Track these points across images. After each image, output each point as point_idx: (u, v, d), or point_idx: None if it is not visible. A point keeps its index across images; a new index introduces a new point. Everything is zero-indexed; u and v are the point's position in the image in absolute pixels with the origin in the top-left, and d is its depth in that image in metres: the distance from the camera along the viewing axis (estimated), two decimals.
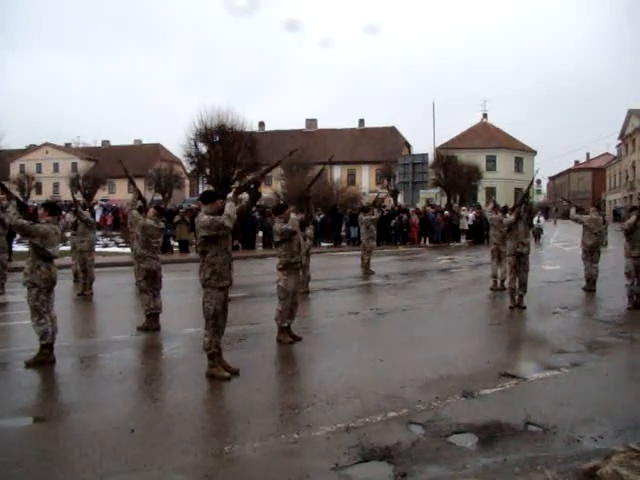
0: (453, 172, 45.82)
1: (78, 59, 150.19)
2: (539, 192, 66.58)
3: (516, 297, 11.44)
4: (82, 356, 7.87)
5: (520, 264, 11.52)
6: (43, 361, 7.20)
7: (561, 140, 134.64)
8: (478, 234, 31.10)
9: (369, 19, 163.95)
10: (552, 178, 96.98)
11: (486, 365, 7.22)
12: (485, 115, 69.51)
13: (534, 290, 12.51)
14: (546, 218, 51.11)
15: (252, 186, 7.06)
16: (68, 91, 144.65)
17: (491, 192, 52.49)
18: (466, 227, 32.35)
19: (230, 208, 6.54)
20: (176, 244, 24.47)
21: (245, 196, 7.19)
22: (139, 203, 10.30)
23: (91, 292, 13.16)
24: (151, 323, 9.36)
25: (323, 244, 28.41)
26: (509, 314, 10.99)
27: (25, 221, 7.25)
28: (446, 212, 33.16)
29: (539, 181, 64.93)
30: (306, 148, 58.20)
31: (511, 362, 7.51)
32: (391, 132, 65.27)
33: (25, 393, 6.31)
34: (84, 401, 6.01)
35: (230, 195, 6.76)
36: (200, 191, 49.60)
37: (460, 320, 10.38)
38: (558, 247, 28.36)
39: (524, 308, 11.26)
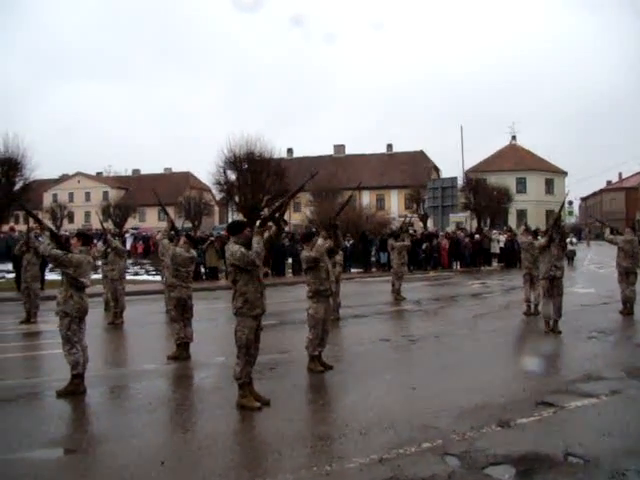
0: (483, 195, 45.54)
1: (117, 88, 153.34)
2: (571, 214, 65.74)
3: (551, 322, 11.24)
4: (112, 386, 7.90)
5: (554, 288, 11.33)
6: (74, 391, 7.23)
7: (592, 160, 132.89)
8: (510, 258, 30.72)
9: (393, 42, 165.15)
10: (584, 199, 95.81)
11: (522, 393, 7.06)
12: (514, 137, 69.25)
13: (569, 314, 12.26)
14: (579, 240, 50.40)
15: (277, 215, 7.01)
16: (101, 122, 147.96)
17: (522, 215, 52.04)
18: (497, 251, 31.96)
19: (258, 243, 6.52)
20: (205, 271, 24.61)
21: (271, 226, 7.15)
22: (171, 232, 10.40)
23: (122, 321, 13.23)
24: (181, 352, 9.36)
25: (353, 270, 28.29)
26: (544, 339, 10.78)
27: (59, 251, 7.33)
28: (477, 236, 32.90)
29: (571, 202, 64.16)
30: (334, 174, 58.63)
31: (548, 390, 7.29)
32: (419, 156, 65.29)
33: (56, 424, 6.32)
34: (114, 432, 5.99)
35: (257, 229, 6.72)
36: (229, 218, 50.13)
37: (494, 346, 10.23)
38: (592, 269, 27.88)
39: (559, 333, 11.04)
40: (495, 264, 32.05)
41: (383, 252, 27.76)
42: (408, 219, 21.58)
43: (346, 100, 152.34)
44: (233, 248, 6.58)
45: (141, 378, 8.22)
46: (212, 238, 25.56)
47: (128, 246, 34.04)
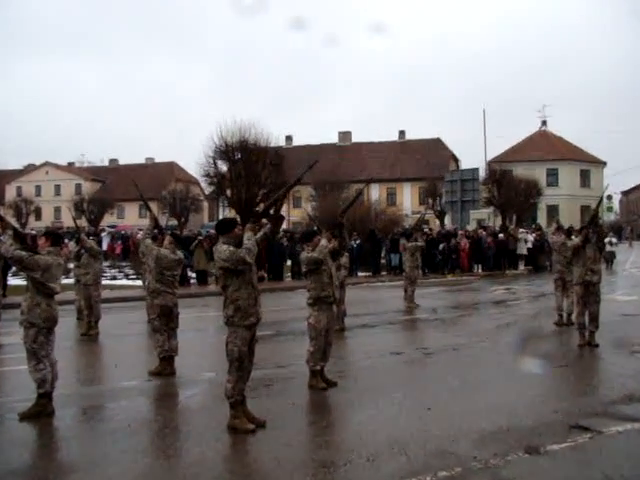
0: (508, 189, 45.43)
1: (93, 67, 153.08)
2: (610, 209, 65.81)
3: (586, 333, 11.23)
4: (86, 406, 7.89)
5: (590, 295, 11.31)
6: (40, 413, 7.19)
7: (635, 149, 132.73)
8: (539, 260, 30.72)
9: (407, 17, 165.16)
10: (625, 193, 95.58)
11: (553, 415, 7.06)
12: (544, 122, 69.18)
13: (607, 325, 12.22)
14: (619, 240, 50.32)
15: (272, 210, 7.01)
16: (75, 105, 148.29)
17: (553, 211, 52.03)
18: (524, 252, 31.94)
19: (249, 240, 6.57)
20: (194, 275, 24.61)
21: (265, 222, 7.26)
22: (154, 231, 10.43)
23: (97, 332, 13.24)
24: (165, 367, 9.37)
25: (360, 274, 28.30)
26: (578, 354, 10.79)
27: (24, 253, 7.28)
28: (501, 235, 32.86)
29: (610, 197, 64.10)
30: (339, 165, 58.85)
31: (583, 412, 7.27)
32: (436, 144, 65.39)
33: (19, 451, 6.29)
34: (87, 460, 5.98)
35: (248, 224, 6.76)
36: (220, 215, 50.10)
37: (520, 361, 10.21)
38: (635, 274, 27.89)
39: (596, 346, 11.03)
40: (522, 267, 32.05)
41: (394, 253, 27.93)
42: (423, 216, 21.62)
43: (353, 81, 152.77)
44: (221, 248, 6.61)
45: (119, 397, 8.19)
46: (200, 237, 25.61)
47: (104, 246, 34.10)
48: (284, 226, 50.93)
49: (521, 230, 34.99)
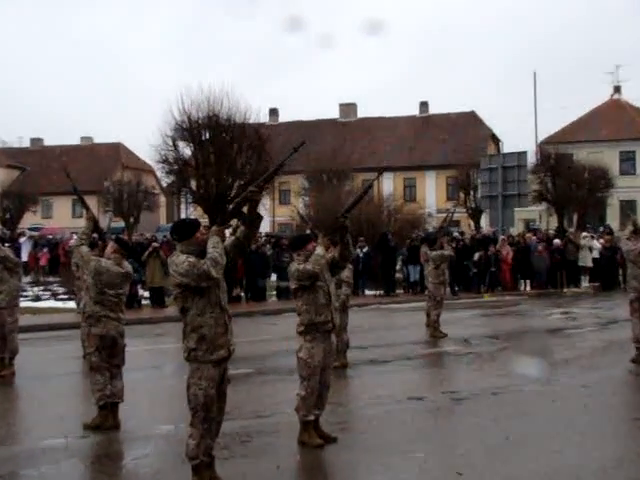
0: (567, 179, 45.40)
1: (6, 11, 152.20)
2: None
3: None
4: None
5: None
6: None
7: None
8: (609, 274, 30.70)
9: None
10: None
11: None
12: (617, 89, 69.09)
13: None
14: None
15: (246, 207, 6.91)
16: None
17: (629, 208, 51.97)
18: (589, 263, 31.91)
19: (216, 247, 6.52)
20: (146, 294, 24.68)
21: (235, 223, 7.29)
22: (93, 236, 10.53)
23: (12, 371, 13.18)
24: (106, 418, 9.25)
25: (368, 292, 28.43)
26: None
27: None
28: (557, 241, 32.86)
29: None
30: (341, 147, 58.76)
31: None
32: (469, 120, 65.65)
33: None
34: None
35: (214, 227, 6.73)
36: (183, 214, 49.90)
37: (584, 411, 10.15)
38: None
39: None
40: (586, 284, 32.13)
41: (413, 265, 27.99)
42: (451, 215, 21.63)
43: (358, 39, 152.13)
44: (178, 259, 6.59)
45: (40, 460, 8.05)
46: (156, 244, 25.56)
47: (24, 256, 33.89)
48: (267, 229, 51.07)
49: (584, 234, 34.82)
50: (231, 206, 7.08)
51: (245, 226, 6.87)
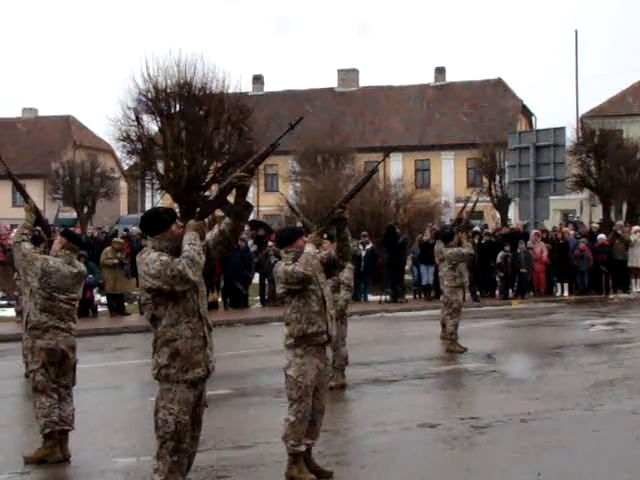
0: (615, 161, 44.15)
1: None
2: None
3: None
4: None
5: None
6: None
7: None
8: None
9: None
10: None
11: None
12: None
13: None
14: None
15: (230, 196, 6.62)
16: None
17: None
18: None
19: (192, 243, 6.13)
20: (103, 300, 24.67)
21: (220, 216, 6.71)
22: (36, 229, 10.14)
23: None
24: (52, 450, 8.82)
25: (372, 297, 28.55)
26: None
27: None
28: (602, 236, 32.39)
29: None
30: (339, 122, 58.49)
31: None
32: (495, 90, 64.18)
33: None
34: None
35: (192, 221, 6.34)
36: (148, 203, 49.16)
37: (635, 444, 9.58)
38: None
39: None
40: (637, 289, 32.15)
41: (426, 265, 27.81)
42: (472, 204, 21.27)
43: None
44: (149, 258, 6.22)
45: None
46: (117, 239, 26.09)
47: None
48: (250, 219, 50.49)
49: (636, 228, 34.35)
50: (213, 194, 6.80)
51: (231, 218, 6.50)
